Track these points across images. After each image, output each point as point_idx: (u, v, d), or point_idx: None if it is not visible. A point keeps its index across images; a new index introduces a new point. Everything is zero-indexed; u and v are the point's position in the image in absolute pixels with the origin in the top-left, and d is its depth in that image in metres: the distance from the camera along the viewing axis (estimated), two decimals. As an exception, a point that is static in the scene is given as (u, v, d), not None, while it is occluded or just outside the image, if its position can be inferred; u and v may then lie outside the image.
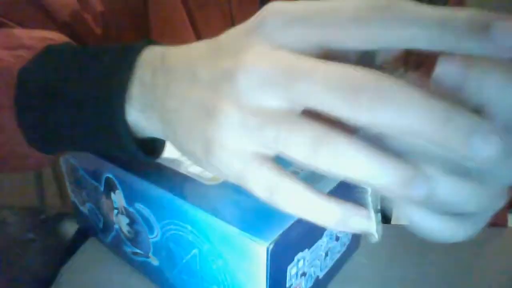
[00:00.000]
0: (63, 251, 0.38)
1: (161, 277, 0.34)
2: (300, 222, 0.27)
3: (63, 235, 0.41)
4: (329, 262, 0.34)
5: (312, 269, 0.31)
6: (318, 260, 0.31)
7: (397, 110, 0.15)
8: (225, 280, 0.28)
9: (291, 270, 0.28)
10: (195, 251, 0.29)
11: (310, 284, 0.31)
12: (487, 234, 0.46)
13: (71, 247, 0.39)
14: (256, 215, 0.27)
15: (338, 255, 0.35)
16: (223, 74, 0.20)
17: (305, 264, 0.30)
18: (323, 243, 0.31)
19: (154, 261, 0.34)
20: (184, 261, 0.31)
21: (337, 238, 0.34)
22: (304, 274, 0.30)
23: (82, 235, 0.41)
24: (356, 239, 0.38)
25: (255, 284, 0.27)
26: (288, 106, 0.18)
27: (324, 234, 0.31)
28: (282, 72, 0.18)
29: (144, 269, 0.36)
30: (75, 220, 0.43)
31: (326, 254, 0.33)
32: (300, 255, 0.29)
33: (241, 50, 0.19)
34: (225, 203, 0.28)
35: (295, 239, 0.28)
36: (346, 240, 0.36)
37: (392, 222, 0.50)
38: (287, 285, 0.29)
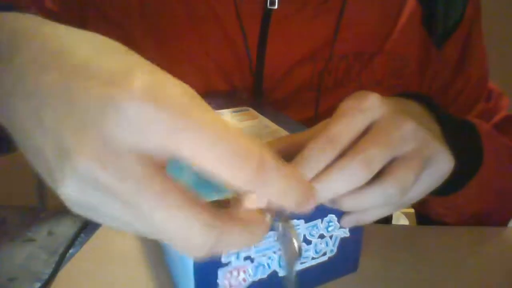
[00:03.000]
0: (63, 251, 0.38)
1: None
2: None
3: (63, 235, 0.41)
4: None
5: (264, 258, 0.31)
6: (275, 253, 0.31)
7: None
8: None
9: None
10: None
11: (263, 275, 0.31)
12: (487, 234, 0.46)
13: (71, 247, 0.39)
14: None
15: (312, 262, 0.33)
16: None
17: (250, 247, 0.30)
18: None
19: None
20: None
21: (309, 242, 0.32)
22: (250, 258, 0.30)
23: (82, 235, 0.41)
24: (353, 260, 0.37)
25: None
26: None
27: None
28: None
29: None
30: (75, 219, 0.43)
31: None
32: None
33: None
34: None
35: None
36: (329, 252, 0.34)
37: (393, 222, 0.50)
38: (224, 260, 0.29)
